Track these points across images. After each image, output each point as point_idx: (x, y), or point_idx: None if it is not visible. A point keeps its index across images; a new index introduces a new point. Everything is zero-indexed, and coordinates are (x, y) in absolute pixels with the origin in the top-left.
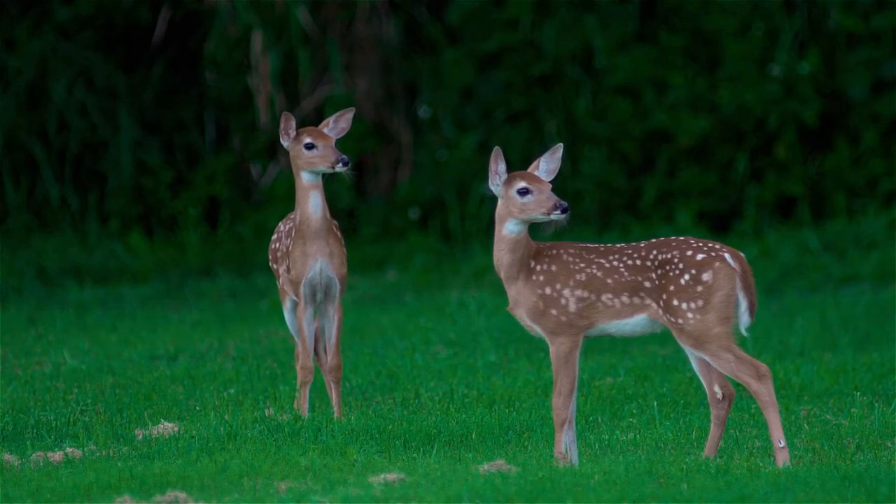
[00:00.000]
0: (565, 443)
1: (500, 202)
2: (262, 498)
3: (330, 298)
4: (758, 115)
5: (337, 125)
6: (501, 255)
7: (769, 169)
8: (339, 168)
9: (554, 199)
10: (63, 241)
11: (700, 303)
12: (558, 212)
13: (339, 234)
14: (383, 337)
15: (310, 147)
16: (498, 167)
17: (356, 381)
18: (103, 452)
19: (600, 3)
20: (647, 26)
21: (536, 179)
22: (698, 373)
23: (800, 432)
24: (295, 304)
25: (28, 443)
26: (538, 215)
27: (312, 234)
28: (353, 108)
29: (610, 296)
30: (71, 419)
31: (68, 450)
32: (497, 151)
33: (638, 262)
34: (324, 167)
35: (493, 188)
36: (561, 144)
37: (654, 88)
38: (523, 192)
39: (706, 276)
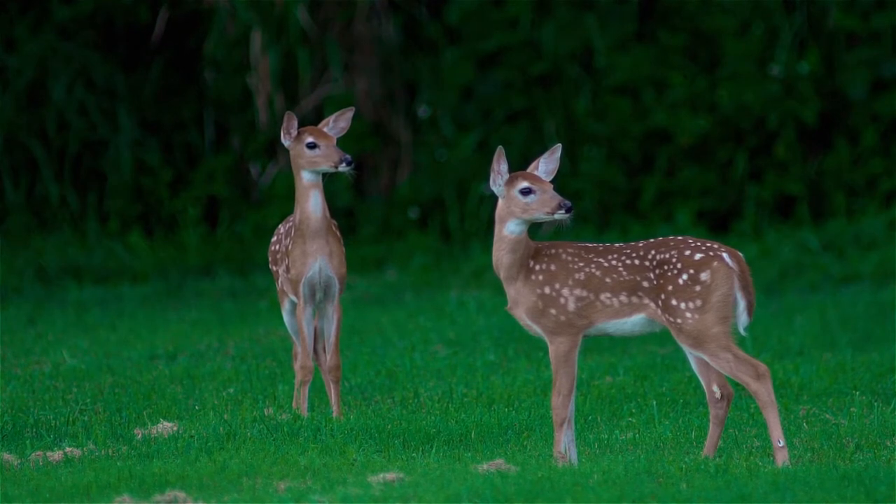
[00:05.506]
0: (564, 442)
1: (500, 202)
2: (261, 497)
3: (329, 298)
4: (757, 115)
5: (337, 124)
6: (501, 256)
7: (769, 168)
8: (343, 168)
9: (558, 198)
10: (63, 240)
11: (698, 302)
12: (562, 211)
13: (338, 233)
14: (382, 336)
15: (312, 147)
16: (500, 167)
17: (355, 381)
18: (102, 452)
19: (600, 2)
20: (647, 26)
21: (539, 179)
22: (697, 372)
23: (799, 432)
24: (294, 307)
25: (27, 442)
26: (541, 215)
27: (312, 233)
28: (353, 108)
29: (608, 295)
30: (70, 419)
31: (67, 449)
32: (500, 151)
33: (636, 261)
34: (327, 167)
35: (494, 188)
36: (559, 145)
37: (653, 88)
38: (526, 192)
39: (704, 276)
